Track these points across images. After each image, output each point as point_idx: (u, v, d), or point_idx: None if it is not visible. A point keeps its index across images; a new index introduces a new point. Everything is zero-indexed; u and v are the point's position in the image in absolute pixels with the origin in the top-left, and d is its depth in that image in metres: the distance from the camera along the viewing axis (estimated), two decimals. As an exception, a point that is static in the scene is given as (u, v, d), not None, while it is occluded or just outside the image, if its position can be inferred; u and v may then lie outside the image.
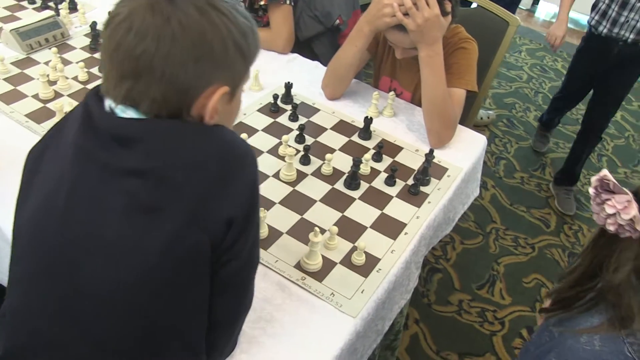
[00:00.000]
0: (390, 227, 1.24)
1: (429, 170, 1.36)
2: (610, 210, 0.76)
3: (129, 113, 0.73)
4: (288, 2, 1.77)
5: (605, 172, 0.77)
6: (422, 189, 1.36)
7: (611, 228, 0.77)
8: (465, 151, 1.52)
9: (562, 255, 2.45)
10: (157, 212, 0.71)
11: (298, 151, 1.38)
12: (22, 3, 1.98)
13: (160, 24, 0.68)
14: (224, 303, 0.82)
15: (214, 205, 0.73)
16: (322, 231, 1.18)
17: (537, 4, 4.89)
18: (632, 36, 2.25)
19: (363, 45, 1.51)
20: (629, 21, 2.23)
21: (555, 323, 0.90)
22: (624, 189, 0.76)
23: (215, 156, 0.74)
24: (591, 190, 0.79)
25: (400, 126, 1.57)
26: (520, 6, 4.75)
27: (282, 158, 1.37)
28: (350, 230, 1.22)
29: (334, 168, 1.37)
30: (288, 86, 1.57)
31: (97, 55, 1.71)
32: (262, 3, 1.77)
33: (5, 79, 1.57)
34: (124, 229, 0.72)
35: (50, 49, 1.66)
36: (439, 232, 1.43)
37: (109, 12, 0.74)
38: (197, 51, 0.70)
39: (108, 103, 0.75)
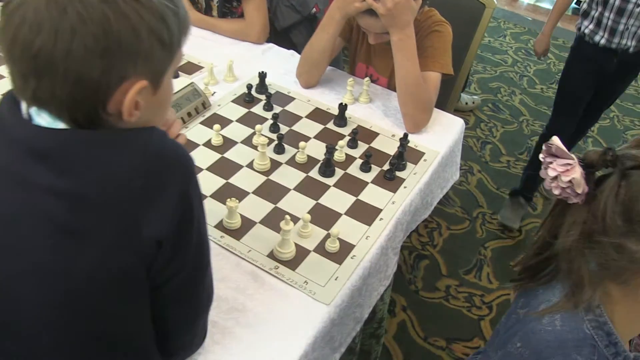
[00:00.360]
0: (366, 213, 1.23)
1: (405, 155, 1.35)
2: (552, 173, 0.76)
3: (43, 117, 0.65)
4: (261, -9, 1.75)
5: (554, 138, 0.77)
6: (398, 174, 1.34)
7: (556, 192, 0.78)
8: (443, 135, 1.51)
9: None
10: (80, 236, 0.65)
11: (272, 140, 1.37)
12: None
13: (55, 15, 0.59)
14: (179, 311, 0.78)
15: (141, 224, 0.65)
16: (296, 220, 1.17)
17: (522, -13, 4.87)
18: (634, 43, 2.05)
19: (335, 32, 1.49)
20: (628, 28, 2.02)
21: (522, 304, 0.89)
22: (570, 154, 0.76)
23: (139, 169, 0.65)
24: (540, 156, 0.79)
25: (377, 112, 1.56)
26: (504, -10, 4.77)
27: (255, 148, 1.36)
28: (324, 217, 1.21)
29: (308, 156, 1.36)
30: (262, 75, 1.55)
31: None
32: (234, -6, 1.75)
33: None
34: (46, 255, 0.66)
35: None
36: (416, 217, 1.42)
37: None
38: (101, 44, 0.60)
39: (24, 106, 0.67)
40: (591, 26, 2.12)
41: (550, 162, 0.77)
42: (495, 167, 2.83)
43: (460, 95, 3.11)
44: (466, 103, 3.16)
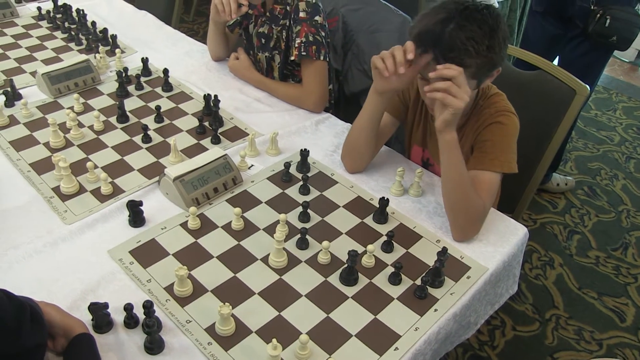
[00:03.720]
0: (380, 339, 1.05)
1: (442, 271, 1.16)
2: None
3: None
4: (322, 57, 1.64)
5: None
6: (432, 291, 1.16)
7: None
8: (498, 245, 1.30)
9: (638, 359, 2.10)
10: None
11: (298, 231, 1.23)
12: (70, 44, 1.99)
13: None
14: None
15: None
16: (293, 338, 1.02)
17: (644, 57, 4.45)
18: None
19: (374, 111, 1.34)
20: None
21: None
22: None
23: None
24: None
25: (426, 209, 1.38)
26: (622, 58, 4.38)
27: (278, 239, 1.23)
28: (330, 337, 1.04)
29: (333, 256, 1.21)
30: (304, 154, 1.43)
31: (127, 101, 1.66)
32: (291, 58, 1.65)
33: (25, 124, 1.55)
34: None
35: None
36: (451, 341, 1.22)
37: None
38: None
39: None
40: None
41: None
42: (581, 263, 2.51)
43: (551, 175, 2.83)
44: (557, 184, 2.86)
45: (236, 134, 1.57)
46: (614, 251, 2.60)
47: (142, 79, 1.78)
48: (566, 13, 2.38)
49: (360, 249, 1.23)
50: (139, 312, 1.03)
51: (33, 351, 0.86)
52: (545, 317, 2.22)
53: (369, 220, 1.32)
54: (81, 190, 1.34)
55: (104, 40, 1.99)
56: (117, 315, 1.04)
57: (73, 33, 2.01)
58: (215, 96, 1.61)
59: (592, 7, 2.28)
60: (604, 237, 2.67)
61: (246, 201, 1.33)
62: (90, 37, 1.99)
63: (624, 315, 2.28)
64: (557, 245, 2.57)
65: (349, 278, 1.15)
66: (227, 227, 1.26)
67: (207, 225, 1.26)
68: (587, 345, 2.13)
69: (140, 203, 1.24)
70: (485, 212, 1.28)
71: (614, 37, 2.28)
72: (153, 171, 1.41)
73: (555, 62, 2.47)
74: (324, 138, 1.59)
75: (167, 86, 1.75)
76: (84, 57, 1.74)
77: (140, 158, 1.46)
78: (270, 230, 1.26)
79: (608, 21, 2.25)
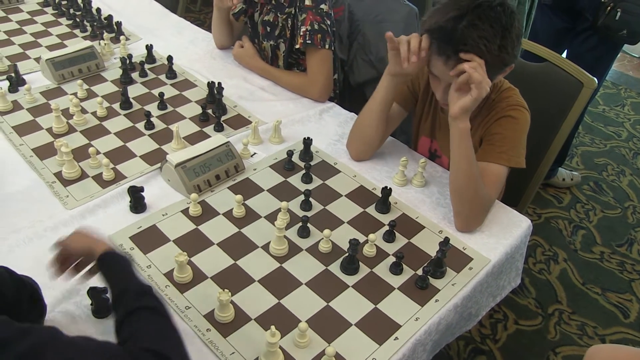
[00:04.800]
0: (380, 328, 1.04)
1: (443, 261, 1.15)
2: None
3: None
4: (327, 46, 1.63)
5: None
6: (433, 281, 1.15)
7: None
8: (501, 237, 1.29)
9: None
10: None
11: (300, 219, 1.22)
12: (75, 31, 1.99)
13: None
14: None
15: None
16: (292, 326, 1.01)
17: (653, 52, 4.41)
18: None
19: (384, 99, 1.34)
20: None
21: None
22: None
23: None
24: None
25: (429, 199, 1.37)
26: (632, 53, 4.34)
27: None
28: (330, 325, 1.04)
29: (334, 245, 1.20)
30: (307, 142, 1.42)
31: (131, 88, 1.66)
32: (296, 47, 1.64)
33: (28, 109, 1.55)
34: None
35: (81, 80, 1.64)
36: (452, 332, 1.21)
37: None
38: None
39: None
40: None
41: None
42: (585, 258, 2.49)
43: (557, 170, 2.81)
44: (563, 179, 2.84)
45: (239, 121, 1.56)
46: (618, 247, 2.58)
47: (146, 66, 1.77)
48: (576, 6, 2.35)
49: (361, 238, 1.22)
50: (138, 298, 1.02)
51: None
52: (548, 312, 2.21)
53: (371, 210, 1.31)
54: (83, 175, 1.34)
55: (109, 27, 1.98)
56: (117, 300, 1.04)
57: (78, 20, 2.01)
58: (219, 84, 1.60)
59: (602, 0, 2.25)
60: (609, 233, 2.65)
61: (248, 189, 1.33)
62: (95, 23, 1.98)
63: (628, 312, 2.27)
64: (561, 240, 2.56)
65: (349, 267, 1.14)
66: (228, 215, 1.25)
67: (208, 212, 1.26)
68: (590, 341, 2.12)
69: (142, 189, 1.24)
70: (491, 204, 1.27)
71: (624, 30, 2.25)
72: (155, 158, 1.40)
73: (564, 55, 2.45)
74: (328, 127, 1.58)
75: (171, 73, 1.74)
76: (88, 43, 1.73)
77: (143, 144, 1.45)
78: (272, 218, 1.25)
79: (619, 14, 2.22)
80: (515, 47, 1.19)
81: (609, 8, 2.23)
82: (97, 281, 0.96)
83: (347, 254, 1.15)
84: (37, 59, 1.75)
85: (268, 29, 1.76)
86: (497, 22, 1.14)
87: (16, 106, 1.55)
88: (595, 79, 1.59)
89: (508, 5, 1.17)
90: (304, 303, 1.08)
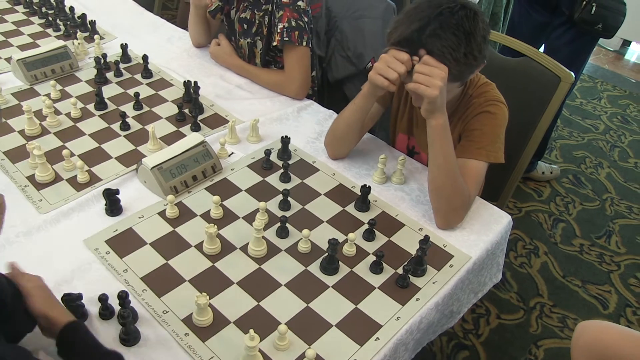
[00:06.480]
0: (361, 329, 1.04)
1: (424, 260, 1.15)
2: None
3: None
4: (305, 43, 1.61)
5: None
6: (414, 280, 1.14)
7: None
8: (482, 233, 1.29)
9: (617, 345, 2.11)
10: None
11: (278, 219, 1.21)
12: (48, 30, 1.95)
13: None
14: None
15: None
16: (272, 329, 1.00)
17: (629, 45, 4.46)
18: None
19: (363, 105, 1.32)
20: None
21: None
22: None
23: None
24: None
25: (408, 197, 1.36)
26: (607, 47, 4.38)
27: (258, 227, 1.21)
28: (310, 327, 1.03)
29: (313, 245, 1.19)
30: (285, 141, 1.40)
31: (106, 88, 1.62)
32: (274, 44, 1.62)
33: (-1, 111, 1.51)
34: None
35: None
36: (433, 330, 1.21)
37: None
38: None
39: None
40: None
41: None
42: (565, 251, 2.51)
43: (536, 163, 2.83)
44: (543, 172, 2.86)
45: (216, 121, 1.54)
46: (598, 239, 2.60)
47: (122, 66, 1.74)
48: (552, 0, 2.37)
49: (341, 237, 1.21)
50: (115, 303, 1.00)
51: (20, 336, 0.85)
52: (530, 305, 2.23)
53: (350, 209, 1.30)
54: (57, 178, 1.31)
55: (83, 26, 1.94)
56: (92, 307, 1.02)
57: (50, 18, 1.96)
58: (196, 83, 1.57)
59: (578, -5, 2.26)
60: (588, 225, 2.67)
61: (226, 189, 1.31)
62: (69, 22, 1.94)
63: (607, 303, 2.29)
64: (541, 234, 2.58)
65: (329, 267, 1.13)
66: (205, 216, 1.24)
67: (185, 214, 1.24)
68: (571, 333, 2.13)
69: (117, 191, 1.21)
70: (471, 200, 1.27)
71: (599, 24, 2.27)
72: (131, 159, 1.38)
73: (541, 49, 2.46)
74: (306, 125, 1.57)
75: (147, 73, 1.72)
76: (61, 43, 1.70)
77: (118, 146, 1.43)
78: (250, 218, 1.24)
79: (594, 9, 2.24)
80: (483, 48, 1.18)
81: (584, 2, 2.24)
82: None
83: (326, 254, 1.14)
84: (8, 59, 1.71)
85: (245, 26, 1.74)
86: (459, 28, 1.13)
87: (-13, 108, 1.51)
88: (573, 74, 1.60)
89: (470, 7, 1.15)
90: (283, 305, 1.06)
